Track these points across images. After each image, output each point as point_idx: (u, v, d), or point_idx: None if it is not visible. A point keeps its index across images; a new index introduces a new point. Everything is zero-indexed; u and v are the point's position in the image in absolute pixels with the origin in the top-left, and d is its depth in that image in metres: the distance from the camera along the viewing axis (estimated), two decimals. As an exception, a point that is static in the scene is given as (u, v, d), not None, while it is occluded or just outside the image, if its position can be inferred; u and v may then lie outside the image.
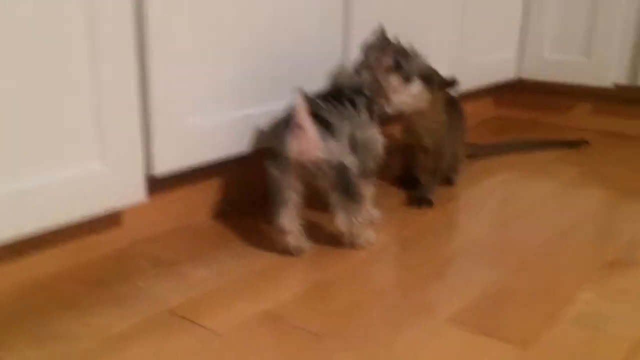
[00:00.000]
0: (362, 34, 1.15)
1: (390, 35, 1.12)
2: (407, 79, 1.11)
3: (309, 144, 0.93)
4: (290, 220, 0.98)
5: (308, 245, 1.02)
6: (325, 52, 1.19)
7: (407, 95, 1.13)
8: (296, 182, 0.97)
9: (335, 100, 1.00)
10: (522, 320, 0.83)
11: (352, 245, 1.02)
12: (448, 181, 1.34)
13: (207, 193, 1.15)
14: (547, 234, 1.10)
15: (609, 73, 1.68)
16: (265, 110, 1.09)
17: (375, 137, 1.06)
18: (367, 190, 1.06)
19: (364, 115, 1.04)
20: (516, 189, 1.35)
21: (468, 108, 1.37)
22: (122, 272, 0.95)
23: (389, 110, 1.12)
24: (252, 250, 1.03)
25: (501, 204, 1.27)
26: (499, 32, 1.73)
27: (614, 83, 1.69)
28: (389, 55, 1.09)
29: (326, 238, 1.06)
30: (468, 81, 1.63)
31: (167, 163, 0.96)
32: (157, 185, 1.06)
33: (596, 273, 0.96)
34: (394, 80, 1.09)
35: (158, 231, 1.08)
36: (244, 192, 1.20)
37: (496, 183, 1.38)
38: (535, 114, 1.91)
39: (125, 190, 0.91)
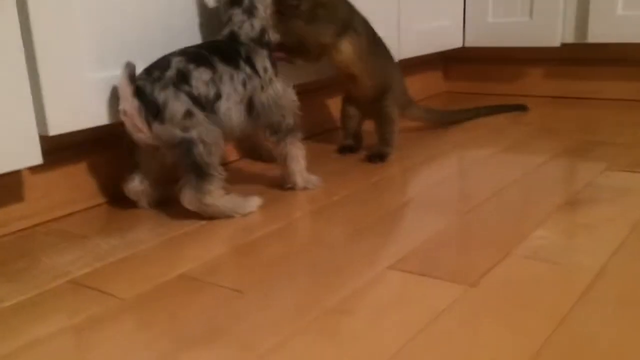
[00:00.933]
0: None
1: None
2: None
3: (136, 129, 0.86)
4: (140, 185, 0.93)
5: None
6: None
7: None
8: (149, 154, 0.91)
9: (227, 64, 0.91)
10: (470, 259, 0.75)
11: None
12: (380, 157, 1.18)
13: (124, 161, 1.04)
14: (500, 184, 1.02)
15: (556, 32, 1.62)
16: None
17: (281, 91, 0.97)
18: (297, 150, 0.99)
19: (268, 73, 0.96)
20: (467, 148, 1.26)
21: (417, 82, 1.29)
22: (24, 249, 0.84)
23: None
24: (173, 219, 0.92)
25: (454, 161, 1.19)
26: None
27: (561, 42, 1.63)
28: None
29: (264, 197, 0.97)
30: (412, 48, 1.56)
31: (63, 123, 0.85)
32: (66, 156, 0.95)
33: (553, 213, 0.88)
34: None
35: (69, 207, 0.97)
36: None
37: (449, 145, 1.30)
38: (486, 85, 1.84)
39: (19, 151, 0.80)
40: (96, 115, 0.89)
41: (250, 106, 0.93)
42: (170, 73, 0.86)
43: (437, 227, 0.85)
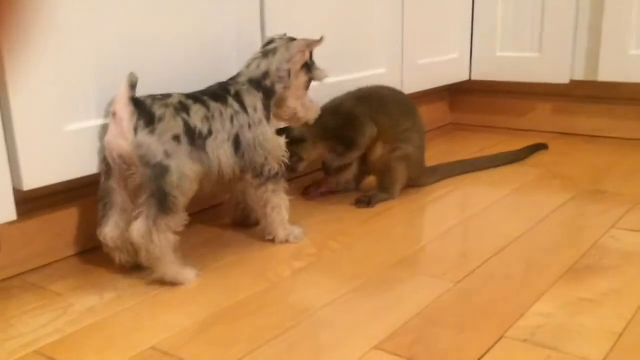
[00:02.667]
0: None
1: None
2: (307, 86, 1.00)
3: (119, 133, 0.81)
4: (114, 231, 0.85)
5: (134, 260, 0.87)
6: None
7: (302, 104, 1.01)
8: (121, 184, 0.84)
9: (216, 100, 0.89)
10: (463, 341, 0.70)
11: (152, 273, 0.84)
12: (367, 201, 1.14)
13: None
14: (502, 241, 0.97)
15: (565, 68, 1.57)
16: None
17: (268, 135, 0.94)
18: (280, 199, 0.96)
19: (257, 113, 0.93)
20: (469, 193, 1.22)
21: (422, 113, 1.24)
22: (-6, 307, 0.80)
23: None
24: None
25: (453, 210, 1.14)
26: (447, 31, 1.62)
27: (570, 79, 1.58)
28: (308, 53, 0.97)
29: (242, 253, 0.92)
30: (416, 83, 1.52)
31: (38, 177, 0.81)
32: (44, 205, 0.91)
33: (555, 283, 0.83)
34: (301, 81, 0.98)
35: (46, 257, 0.93)
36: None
37: (449, 188, 1.25)
38: (493, 117, 1.80)
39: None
40: (72, 168, 0.84)
41: (236, 143, 0.90)
42: (172, 100, 0.85)
43: (431, 296, 0.80)
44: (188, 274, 0.86)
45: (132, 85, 0.82)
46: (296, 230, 0.99)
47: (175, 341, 0.71)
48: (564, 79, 1.58)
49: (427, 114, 1.74)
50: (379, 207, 1.14)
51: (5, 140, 0.77)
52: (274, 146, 0.94)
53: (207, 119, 0.87)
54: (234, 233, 1.03)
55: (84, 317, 0.77)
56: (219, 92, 0.91)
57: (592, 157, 1.44)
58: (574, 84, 1.60)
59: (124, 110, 0.81)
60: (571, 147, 1.54)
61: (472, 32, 1.70)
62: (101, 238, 0.85)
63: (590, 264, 0.88)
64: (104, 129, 0.86)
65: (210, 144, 0.86)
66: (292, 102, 0.98)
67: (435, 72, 1.59)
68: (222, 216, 1.11)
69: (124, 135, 0.81)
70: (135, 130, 0.81)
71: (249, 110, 0.92)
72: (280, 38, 0.98)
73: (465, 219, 1.08)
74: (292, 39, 0.97)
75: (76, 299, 0.82)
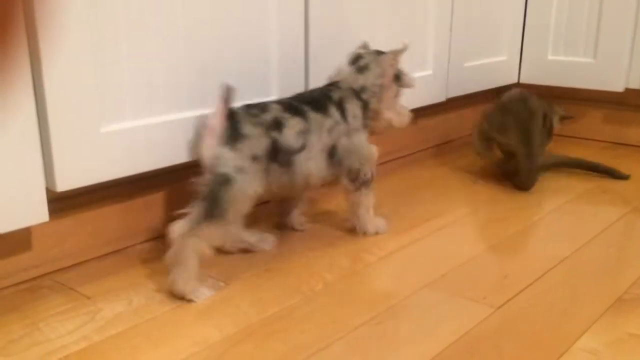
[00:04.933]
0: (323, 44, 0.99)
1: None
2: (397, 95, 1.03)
3: (207, 144, 0.84)
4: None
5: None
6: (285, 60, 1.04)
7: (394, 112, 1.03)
8: None
9: (317, 111, 0.92)
10: (502, 377, 0.66)
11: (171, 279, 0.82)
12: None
13: (141, 212, 0.98)
14: (547, 263, 0.92)
15: (620, 76, 1.50)
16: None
17: (363, 142, 0.98)
18: (369, 200, 1.01)
19: (356, 122, 0.97)
20: (513, 207, 1.17)
21: (469, 116, 1.20)
22: (24, 309, 0.79)
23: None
24: (186, 281, 0.86)
25: (495, 225, 1.09)
26: (497, 33, 1.56)
27: (625, 87, 1.51)
28: (396, 65, 1.01)
29: (273, 263, 0.90)
30: (461, 85, 1.47)
31: (72, 178, 0.80)
32: (77, 203, 0.90)
33: (601, 315, 0.78)
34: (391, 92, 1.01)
35: (78, 257, 0.92)
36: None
37: (487, 203, 1.20)
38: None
39: (24, 209, 0.75)
40: (107, 170, 0.83)
41: (332, 153, 0.94)
42: (267, 117, 0.87)
43: (470, 322, 0.76)
44: (201, 292, 0.82)
45: (227, 100, 0.83)
46: (381, 224, 1.04)
47: (203, 358, 0.69)
48: (619, 87, 1.51)
49: (475, 116, 1.68)
50: (415, 219, 1.10)
51: (41, 140, 0.76)
52: (369, 153, 0.99)
53: (303, 133, 0.89)
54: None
55: (112, 325, 0.75)
56: (322, 100, 0.94)
57: (644, 172, 1.37)
58: (628, 92, 1.53)
59: (216, 124, 0.83)
60: (622, 159, 1.47)
61: (523, 34, 1.63)
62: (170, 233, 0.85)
63: (637, 296, 0.83)
64: (135, 131, 0.85)
65: (299, 158, 0.89)
66: (387, 113, 1.01)
67: (483, 74, 1.54)
68: (254, 223, 1.09)
69: (208, 146, 0.84)
70: (220, 143, 0.83)
71: (349, 118, 0.96)
72: (368, 52, 1.01)
73: (508, 236, 1.03)
74: (380, 53, 1.00)
75: (105, 304, 0.80)
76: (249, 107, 0.87)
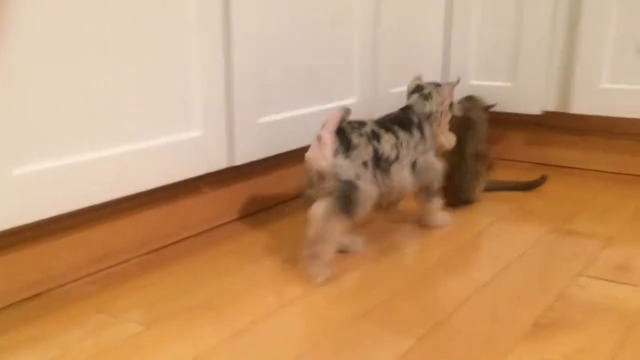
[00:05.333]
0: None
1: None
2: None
3: (321, 153, 0.96)
4: (317, 209, 0.97)
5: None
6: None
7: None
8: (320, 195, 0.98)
9: (403, 129, 1.08)
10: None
11: (308, 247, 0.97)
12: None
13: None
14: (468, 289, 0.94)
15: (537, 99, 1.56)
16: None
17: (433, 160, 1.15)
18: (437, 204, 1.19)
19: (429, 142, 1.14)
20: (433, 233, 1.19)
21: None
22: None
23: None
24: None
25: (416, 252, 1.11)
26: (420, 59, 1.59)
27: (543, 110, 1.57)
28: (450, 97, 1.19)
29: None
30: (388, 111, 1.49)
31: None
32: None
33: (520, 340, 0.80)
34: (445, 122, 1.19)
35: (-8, 306, 0.88)
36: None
37: (407, 230, 1.22)
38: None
39: None
40: (17, 214, 0.80)
41: (414, 167, 1.10)
42: (366, 129, 1.01)
43: (393, 355, 0.77)
44: (323, 272, 0.98)
45: (343, 119, 0.98)
46: (445, 217, 1.22)
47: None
48: (536, 110, 1.57)
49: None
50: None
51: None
52: (439, 169, 1.15)
53: (396, 146, 1.05)
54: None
55: None
56: (405, 122, 1.10)
57: (565, 191, 1.42)
58: (547, 114, 1.59)
59: (329, 137, 0.96)
60: (548, 181, 1.52)
61: (447, 60, 1.68)
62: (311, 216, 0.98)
63: (557, 319, 0.85)
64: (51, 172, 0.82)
65: (395, 167, 1.04)
66: (442, 138, 1.19)
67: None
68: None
69: (325, 157, 0.96)
70: (335, 153, 0.96)
71: (427, 139, 1.13)
72: (428, 83, 1.18)
73: (431, 265, 1.05)
74: (439, 85, 1.19)
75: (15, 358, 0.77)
76: (349, 123, 1.00)
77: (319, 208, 0.95)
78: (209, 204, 1.18)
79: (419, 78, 1.19)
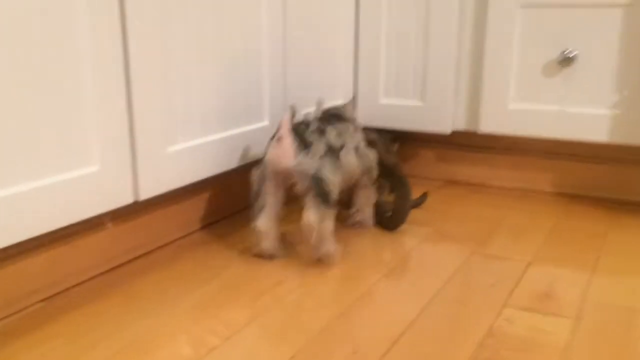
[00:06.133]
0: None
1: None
2: None
3: (284, 153, 1.07)
4: (267, 224, 1.11)
5: (281, 252, 1.15)
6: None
7: None
8: (275, 189, 1.10)
9: (339, 122, 1.19)
10: None
11: (315, 251, 1.10)
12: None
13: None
14: (396, 329, 0.90)
15: (447, 119, 1.56)
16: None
17: (367, 149, 1.26)
18: (370, 196, 1.29)
19: (360, 134, 1.26)
20: (348, 267, 1.14)
21: None
22: None
23: None
24: None
25: (335, 287, 1.05)
26: (331, 79, 1.55)
27: (453, 129, 1.57)
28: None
29: None
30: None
31: None
32: None
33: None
34: None
35: None
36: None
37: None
38: (376, 163, 1.75)
39: None
40: None
41: (357, 152, 1.20)
42: (313, 127, 1.11)
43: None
44: (338, 250, 1.14)
45: (293, 117, 1.08)
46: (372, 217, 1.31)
47: None
48: (447, 130, 1.57)
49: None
50: (261, 287, 1.04)
51: None
52: (373, 156, 1.26)
53: (340, 135, 1.15)
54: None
55: None
56: (338, 115, 1.22)
57: (478, 210, 1.42)
58: (456, 133, 1.59)
59: (288, 136, 1.06)
60: (457, 198, 1.52)
61: (357, 79, 1.65)
62: (257, 228, 1.11)
63: (490, 358, 0.82)
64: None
65: (343, 153, 1.14)
66: None
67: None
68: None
69: (288, 157, 1.06)
70: (296, 152, 1.06)
71: (359, 130, 1.25)
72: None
73: (355, 301, 1.00)
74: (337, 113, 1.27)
75: None
76: (298, 124, 1.10)
77: (310, 216, 1.06)
78: (112, 240, 1.07)
79: (320, 103, 1.18)
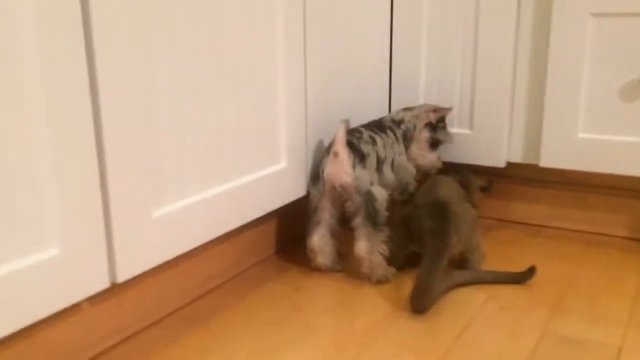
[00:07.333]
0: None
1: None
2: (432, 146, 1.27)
3: (341, 169, 1.04)
4: (321, 240, 1.08)
5: (339, 266, 1.13)
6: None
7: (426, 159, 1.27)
8: (331, 205, 1.08)
9: (381, 130, 1.15)
10: None
11: (370, 279, 1.08)
12: None
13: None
14: None
15: (500, 149, 1.31)
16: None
17: (406, 162, 1.21)
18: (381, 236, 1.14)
19: (401, 146, 1.20)
20: (396, 343, 0.90)
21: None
22: None
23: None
24: None
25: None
26: (362, 114, 1.31)
27: (507, 161, 1.32)
28: (432, 115, 1.25)
29: None
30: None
31: None
32: None
33: None
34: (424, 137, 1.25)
35: None
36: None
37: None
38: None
39: None
40: None
41: (392, 166, 1.16)
42: (365, 136, 1.10)
43: None
44: (393, 273, 1.10)
45: (347, 130, 1.05)
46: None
47: None
48: (500, 162, 1.32)
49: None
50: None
51: None
52: (412, 170, 1.22)
53: (385, 146, 1.13)
54: None
55: None
56: (379, 126, 1.17)
57: (540, 262, 1.17)
58: (511, 165, 1.34)
59: (344, 151, 1.04)
60: (512, 245, 1.27)
61: (390, 110, 1.41)
62: (310, 245, 1.09)
63: None
64: None
65: (384, 166, 1.13)
66: (414, 150, 1.24)
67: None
68: None
69: (346, 171, 1.05)
70: (354, 166, 1.05)
71: (399, 141, 1.20)
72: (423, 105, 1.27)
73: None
74: (429, 105, 1.27)
75: None
76: (350, 133, 1.08)
77: (361, 247, 1.05)
78: (89, 323, 0.86)
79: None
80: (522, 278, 1.10)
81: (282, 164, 1.07)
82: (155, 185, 0.82)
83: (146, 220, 0.81)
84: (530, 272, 1.10)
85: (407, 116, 1.23)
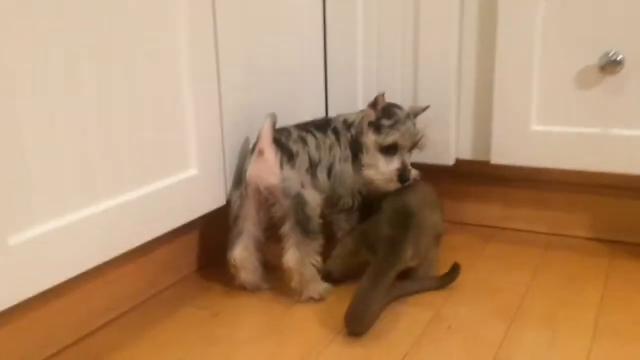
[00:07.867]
0: None
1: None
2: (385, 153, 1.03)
3: (267, 168, 0.93)
4: (243, 253, 0.96)
5: (266, 283, 1.01)
6: None
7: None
8: (255, 213, 0.96)
9: (319, 130, 1.02)
10: None
11: (300, 295, 0.96)
12: None
13: None
14: None
15: (448, 146, 1.19)
16: None
17: (349, 172, 1.03)
18: (347, 225, 1.08)
19: (346, 151, 1.03)
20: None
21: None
22: None
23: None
24: None
25: None
26: (288, 99, 1.18)
27: (457, 158, 1.20)
28: (370, 111, 1.03)
29: None
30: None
31: None
32: None
33: None
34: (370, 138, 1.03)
35: None
36: None
37: None
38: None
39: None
40: None
41: (329, 173, 1.01)
42: (294, 135, 0.98)
43: None
44: (327, 289, 0.97)
45: (274, 126, 0.93)
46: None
47: None
48: (448, 160, 1.19)
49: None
50: None
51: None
52: (351, 183, 1.03)
53: (318, 148, 0.99)
54: None
55: None
56: (322, 124, 1.04)
57: (495, 270, 1.05)
58: (463, 161, 1.22)
59: (270, 149, 0.93)
60: (465, 250, 1.15)
61: (327, 95, 1.27)
62: (231, 260, 0.96)
63: None
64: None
65: (319, 170, 0.99)
66: (364, 159, 1.03)
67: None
68: None
69: (272, 171, 0.93)
70: (281, 165, 0.93)
71: (342, 146, 1.03)
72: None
73: None
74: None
75: None
76: (279, 131, 0.96)
77: (289, 258, 0.92)
78: None
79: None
80: (445, 281, 0.99)
81: (193, 171, 0.92)
82: (11, 204, 0.67)
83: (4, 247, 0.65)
84: (454, 271, 0.99)
85: (358, 118, 1.04)
